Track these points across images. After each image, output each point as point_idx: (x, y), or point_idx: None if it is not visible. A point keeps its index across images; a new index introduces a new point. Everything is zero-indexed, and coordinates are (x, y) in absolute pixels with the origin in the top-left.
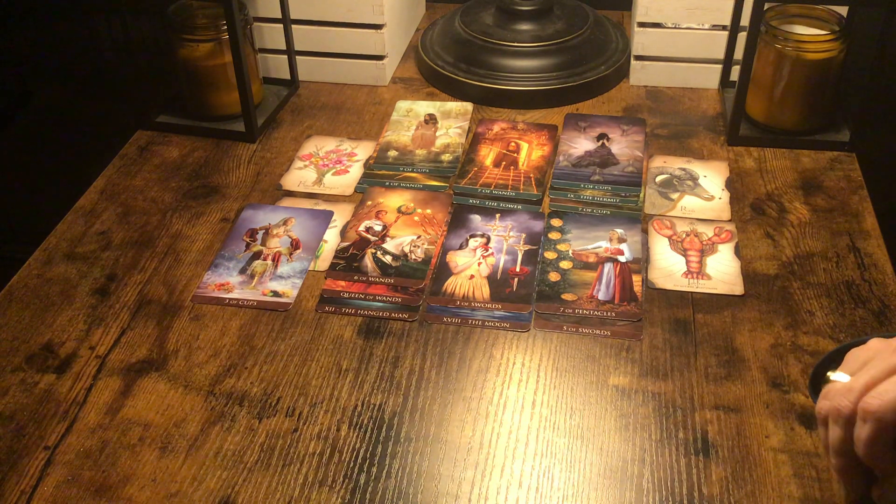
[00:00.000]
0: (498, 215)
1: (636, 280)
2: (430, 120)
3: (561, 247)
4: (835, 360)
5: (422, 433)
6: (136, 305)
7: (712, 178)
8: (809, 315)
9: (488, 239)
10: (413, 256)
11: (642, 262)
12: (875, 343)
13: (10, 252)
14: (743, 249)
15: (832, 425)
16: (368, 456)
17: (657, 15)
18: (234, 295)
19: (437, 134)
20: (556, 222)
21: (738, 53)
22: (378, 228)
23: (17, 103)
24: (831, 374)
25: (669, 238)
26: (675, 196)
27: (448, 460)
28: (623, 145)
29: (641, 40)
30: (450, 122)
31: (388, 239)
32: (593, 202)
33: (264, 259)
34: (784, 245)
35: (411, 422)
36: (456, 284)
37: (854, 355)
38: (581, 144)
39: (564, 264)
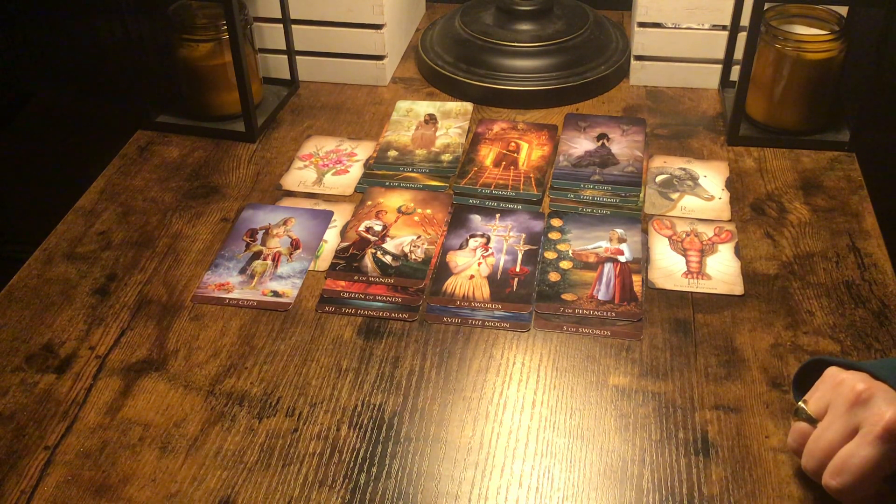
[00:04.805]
0: (498, 215)
1: (636, 280)
2: (430, 120)
3: (561, 247)
4: (817, 370)
5: (422, 433)
6: (136, 305)
7: (712, 178)
8: (809, 315)
9: (488, 239)
10: (413, 256)
11: (642, 262)
12: (831, 376)
13: (10, 252)
14: (743, 249)
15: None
16: (368, 456)
17: (657, 15)
18: (234, 295)
19: (437, 134)
20: (556, 222)
21: (738, 53)
22: (378, 228)
23: (17, 103)
24: (802, 405)
25: (669, 238)
26: (675, 196)
27: (448, 460)
28: (623, 145)
29: (641, 40)
30: (450, 122)
31: (388, 239)
32: (593, 202)
33: (264, 259)
34: (784, 245)
35: (411, 422)
36: (456, 284)
37: (823, 387)
38: (581, 144)
39: (564, 264)
